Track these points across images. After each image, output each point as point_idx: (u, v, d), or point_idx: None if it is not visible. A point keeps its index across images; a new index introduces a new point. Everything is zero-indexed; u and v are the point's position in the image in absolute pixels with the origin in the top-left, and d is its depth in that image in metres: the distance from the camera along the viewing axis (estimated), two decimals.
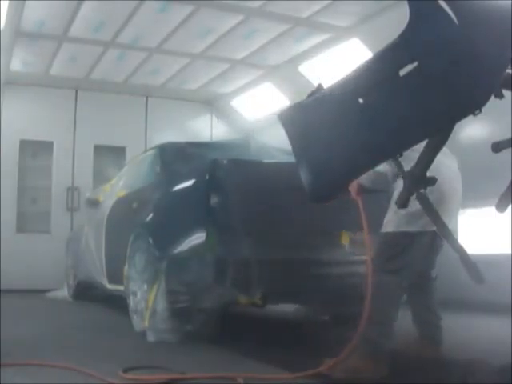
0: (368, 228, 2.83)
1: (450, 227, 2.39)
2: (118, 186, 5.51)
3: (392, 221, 2.83)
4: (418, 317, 3.12)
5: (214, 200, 3.51)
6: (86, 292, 6.31)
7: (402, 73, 1.88)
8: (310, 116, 2.21)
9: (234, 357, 3.15)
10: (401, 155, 2.26)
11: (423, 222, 2.71)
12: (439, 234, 2.89)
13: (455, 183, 2.99)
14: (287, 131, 2.27)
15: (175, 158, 4.53)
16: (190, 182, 3.94)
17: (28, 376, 2.53)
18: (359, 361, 2.61)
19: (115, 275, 4.63)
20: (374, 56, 2.04)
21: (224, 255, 3.40)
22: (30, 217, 8.26)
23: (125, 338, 3.88)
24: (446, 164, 2.85)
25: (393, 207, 2.82)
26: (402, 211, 2.70)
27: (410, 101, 1.89)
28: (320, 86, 2.32)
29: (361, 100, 1.98)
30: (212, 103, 9.12)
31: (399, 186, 2.76)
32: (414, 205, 2.43)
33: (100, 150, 8.54)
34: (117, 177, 5.92)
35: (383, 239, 2.83)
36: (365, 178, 2.84)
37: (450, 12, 1.79)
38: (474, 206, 5.36)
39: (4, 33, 5.95)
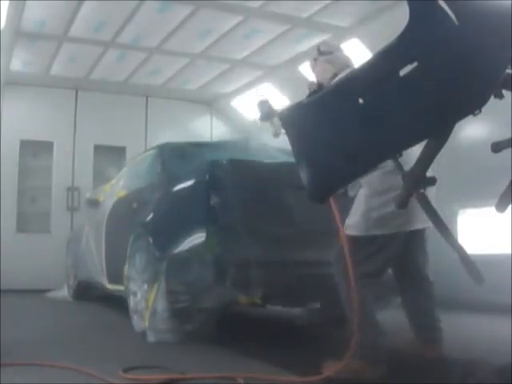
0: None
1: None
2: (118, 186, 5.51)
3: (361, 224, 2.73)
4: (415, 320, 3.00)
5: (214, 200, 3.51)
6: (86, 292, 6.31)
7: (402, 73, 1.88)
8: (309, 116, 2.21)
9: (234, 357, 3.15)
10: (401, 155, 2.26)
11: (396, 223, 2.68)
12: (420, 234, 2.88)
13: None
14: (287, 131, 2.27)
15: (175, 158, 4.53)
16: (190, 182, 3.93)
17: (28, 376, 2.53)
18: (357, 362, 2.61)
19: (115, 275, 4.63)
20: (374, 56, 2.04)
21: (224, 255, 3.40)
22: (30, 217, 8.24)
23: (125, 338, 3.88)
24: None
25: (358, 209, 2.76)
26: (374, 213, 2.67)
27: (410, 101, 1.90)
28: (320, 85, 2.32)
29: (361, 100, 1.98)
30: (212, 103, 9.11)
31: (362, 185, 2.75)
32: (390, 206, 2.41)
33: (100, 150, 8.53)
34: (117, 177, 5.92)
35: (351, 243, 2.61)
36: None
37: (450, 12, 1.79)
38: (474, 206, 5.37)
39: (4, 33, 5.94)
